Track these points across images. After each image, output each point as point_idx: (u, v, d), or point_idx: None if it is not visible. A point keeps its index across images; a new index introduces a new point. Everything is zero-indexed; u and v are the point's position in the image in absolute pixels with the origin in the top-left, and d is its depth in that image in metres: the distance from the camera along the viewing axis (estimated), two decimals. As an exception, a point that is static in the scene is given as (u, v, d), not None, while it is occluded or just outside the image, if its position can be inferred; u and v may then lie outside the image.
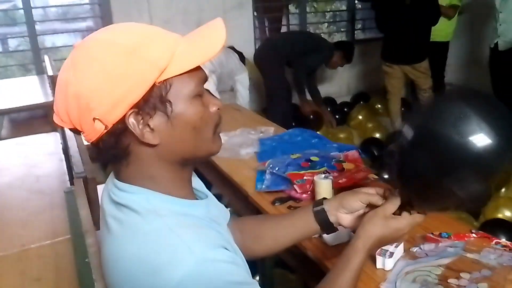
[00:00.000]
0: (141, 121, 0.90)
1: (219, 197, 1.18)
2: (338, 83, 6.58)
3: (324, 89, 6.27)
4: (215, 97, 1.01)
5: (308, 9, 7.06)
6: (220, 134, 1.04)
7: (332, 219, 1.26)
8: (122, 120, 0.88)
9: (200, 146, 0.98)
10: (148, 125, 0.90)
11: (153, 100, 0.89)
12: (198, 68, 0.94)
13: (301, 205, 2.02)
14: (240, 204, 2.50)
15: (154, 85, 0.88)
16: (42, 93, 4.08)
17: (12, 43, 7.39)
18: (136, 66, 0.87)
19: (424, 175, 1.06)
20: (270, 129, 3.08)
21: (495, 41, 4.89)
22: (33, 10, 5.05)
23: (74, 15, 6.89)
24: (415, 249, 1.61)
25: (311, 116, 5.46)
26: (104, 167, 4.18)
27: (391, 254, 1.54)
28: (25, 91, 4.19)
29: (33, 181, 2.14)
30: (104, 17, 5.16)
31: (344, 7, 7.21)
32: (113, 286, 0.94)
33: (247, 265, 1.01)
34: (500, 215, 3.39)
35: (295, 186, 2.11)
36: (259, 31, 6.33)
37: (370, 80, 6.65)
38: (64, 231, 1.67)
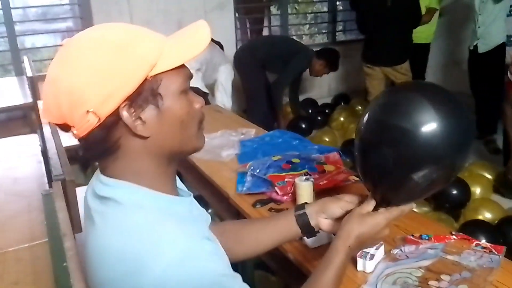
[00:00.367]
0: (134, 113, 0.92)
1: (199, 200, 1.19)
2: (319, 84, 6.60)
3: (305, 91, 6.30)
4: (197, 95, 1.04)
5: (289, 11, 7.09)
6: (201, 136, 1.07)
7: (313, 223, 1.29)
8: (115, 113, 0.90)
9: (186, 141, 1.01)
10: (140, 118, 0.93)
11: (145, 93, 0.92)
12: (184, 65, 0.98)
13: (282, 207, 2.02)
14: (221, 206, 2.49)
15: (146, 79, 0.91)
16: (21, 94, 4.05)
17: (-9, 44, 7.29)
18: (128, 61, 0.90)
19: (389, 173, 1.14)
20: (251, 131, 3.07)
21: (475, 43, 4.95)
22: (12, 10, 5.02)
23: (54, 15, 6.86)
24: (395, 251, 1.62)
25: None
26: (84, 169, 4.15)
27: (372, 256, 1.54)
28: (4, 92, 4.16)
29: (11, 183, 2.11)
30: (84, 18, 5.14)
31: (325, 9, 7.26)
32: (97, 278, 0.94)
33: (228, 260, 1.02)
34: (480, 217, 3.42)
35: (276, 188, 2.11)
36: (241, 32, 6.33)
37: (351, 81, 6.69)
38: (42, 234, 1.64)
